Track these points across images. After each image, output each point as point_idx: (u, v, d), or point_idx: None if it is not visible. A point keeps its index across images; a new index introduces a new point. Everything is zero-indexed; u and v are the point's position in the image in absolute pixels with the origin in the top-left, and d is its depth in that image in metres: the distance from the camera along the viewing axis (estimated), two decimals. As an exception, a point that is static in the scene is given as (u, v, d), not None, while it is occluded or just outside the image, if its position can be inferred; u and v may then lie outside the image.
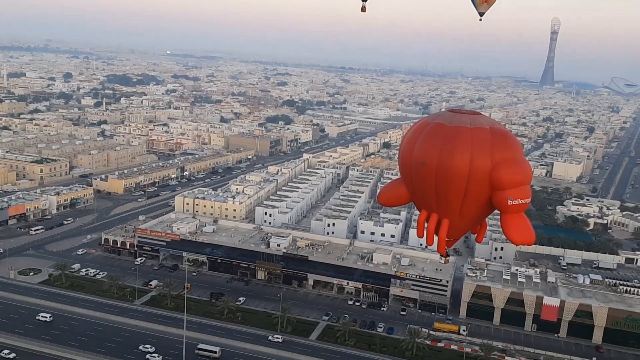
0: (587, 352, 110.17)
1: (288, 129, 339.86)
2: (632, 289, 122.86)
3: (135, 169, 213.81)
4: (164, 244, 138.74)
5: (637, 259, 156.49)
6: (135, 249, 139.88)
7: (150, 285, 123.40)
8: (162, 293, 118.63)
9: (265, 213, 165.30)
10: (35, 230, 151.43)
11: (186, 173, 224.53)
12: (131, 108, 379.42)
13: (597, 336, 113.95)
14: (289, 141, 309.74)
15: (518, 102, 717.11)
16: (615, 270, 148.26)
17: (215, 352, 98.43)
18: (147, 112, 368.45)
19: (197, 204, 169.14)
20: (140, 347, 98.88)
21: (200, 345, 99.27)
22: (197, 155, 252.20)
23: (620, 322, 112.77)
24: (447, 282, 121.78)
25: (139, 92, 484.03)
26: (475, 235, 38.16)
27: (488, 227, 39.42)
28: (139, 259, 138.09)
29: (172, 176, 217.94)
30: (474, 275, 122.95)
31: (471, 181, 32.48)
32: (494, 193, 32.85)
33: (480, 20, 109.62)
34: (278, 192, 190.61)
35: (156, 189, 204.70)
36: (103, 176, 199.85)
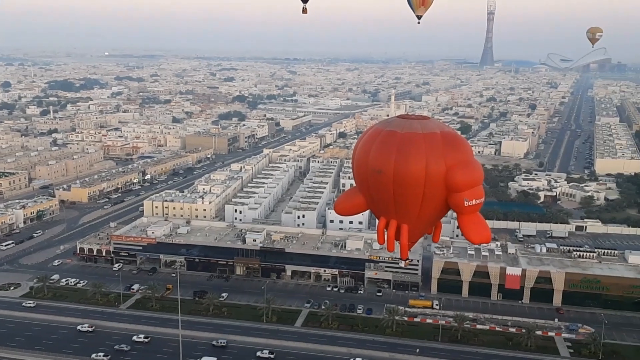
0: (549, 315, 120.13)
1: (244, 125, 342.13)
2: (584, 253, 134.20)
3: (96, 177, 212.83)
4: (141, 248, 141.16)
5: (585, 227, 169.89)
6: (112, 255, 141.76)
7: (133, 289, 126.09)
8: (145, 296, 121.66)
9: (235, 210, 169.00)
10: (6, 245, 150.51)
11: (147, 177, 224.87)
12: (80, 114, 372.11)
13: (557, 299, 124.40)
14: (246, 137, 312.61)
15: (461, 84, 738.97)
16: (567, 238, 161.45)
17: None
18: (96, 118, 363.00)
19: (166, 207, 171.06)
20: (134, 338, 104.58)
21: None
22: (155, 158, 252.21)
23: (576, 285, 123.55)
24: (418, 261, 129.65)
25: (84, 97, 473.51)
26: (432, 234, 38.63)
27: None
28: (116, 265, 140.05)
29: (134, 181, 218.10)
30: (442, 252, 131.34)
31: (428, 186, 32.93)
32: (450, 195, 33.46)
33: (419, 23, 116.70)
34: (244, 189, 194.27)
35: (120, 194, 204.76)
36: (65, 186, 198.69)
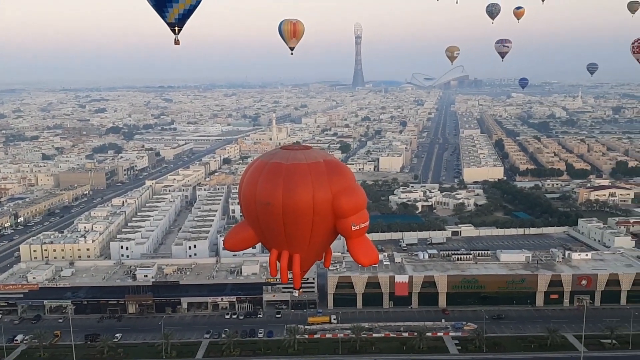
0: (436, 316, 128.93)
1: (121, 157, 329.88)
2: (462, 256, 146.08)
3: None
4: (22, 295, 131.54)
5: (460, 231, 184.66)
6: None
7: (16, 340, 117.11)
8: (32, 346, 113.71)
9: (122, 247, 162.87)
10: None
11: (20, 219, 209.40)
12: None
13: (442, 301, 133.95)
14: (125, 170, 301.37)
15: (337, 105, 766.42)
16: (445, 243, 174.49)
17: None
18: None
19: (45, 250, 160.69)
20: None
21: None
22: (27, 199, 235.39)
23: (458, 286, 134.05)
24: (313, 279, 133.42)
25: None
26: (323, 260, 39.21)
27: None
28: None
29: (6, 225, 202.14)
30: (335, 268, 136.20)
31: (316, 214, 33.33)
32: (338, 221, 33.90)
33: (292, 54, 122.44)
34: (129, 224, 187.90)
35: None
36: None
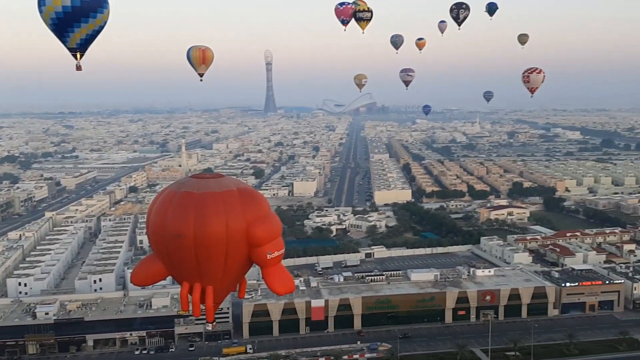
0: (352, 339, 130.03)
1: (18, 187, 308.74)
2: (375, 277, 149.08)
3: None
4: None
5: (373, 253, 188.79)
6: None
7: None
8: None
9: (20, 284, 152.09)
10: None
11: None
12: None
13: (357, 323, 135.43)
14: (22, 201, 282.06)
15: (249, 131, 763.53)
16: (359, 265, 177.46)
17: None
18: None
19: None
20: None
21: None
22: None
23: (372, 307, 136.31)
24: (228, 309, 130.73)
25: None
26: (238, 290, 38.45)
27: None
28: None
29: None
30: (250, 296, 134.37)
31: (230, 244, 32.66)
32: (253, 250, 33.42)
33: (201, 80, 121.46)
34: (27, 259, 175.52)
35: None
36: None
